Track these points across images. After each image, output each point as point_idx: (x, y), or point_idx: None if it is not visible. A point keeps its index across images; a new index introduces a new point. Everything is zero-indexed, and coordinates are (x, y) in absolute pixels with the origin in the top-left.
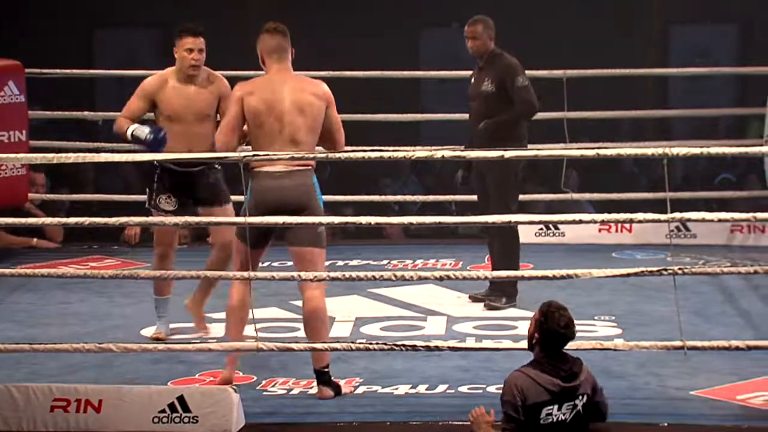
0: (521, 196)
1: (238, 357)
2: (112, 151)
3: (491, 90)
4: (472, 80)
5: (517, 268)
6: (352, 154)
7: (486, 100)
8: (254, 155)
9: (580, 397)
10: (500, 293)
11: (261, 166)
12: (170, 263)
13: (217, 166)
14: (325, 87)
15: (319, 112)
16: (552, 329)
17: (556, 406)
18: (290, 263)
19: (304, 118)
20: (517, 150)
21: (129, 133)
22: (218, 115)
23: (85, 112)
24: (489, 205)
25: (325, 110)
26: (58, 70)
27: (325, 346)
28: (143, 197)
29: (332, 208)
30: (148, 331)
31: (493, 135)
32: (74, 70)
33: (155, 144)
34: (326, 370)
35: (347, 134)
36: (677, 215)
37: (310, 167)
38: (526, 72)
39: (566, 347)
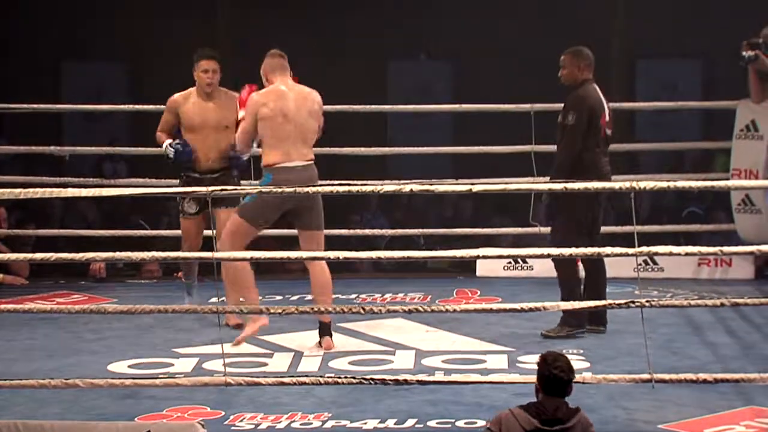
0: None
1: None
2: (79, 186)
3: (559, 121)
4: None
5: (576, 299)
6: (320, 188)
7: (559, 130)
8: (222, 189)
9: None
10: (562, 323)
11: (279, 162)
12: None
13: (234, 171)
14: (318, 95)
15: (320, 116)
16: (545, 373)
17: None
18: (270, 296)
19: (311, 121)
20: (486, 184)
21: (163, 150)
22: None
23: (52, 147)
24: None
25: None
26: (24, 105)
27: (294, 380)
28: (108, 232)
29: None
30: (115, 367)
31: (570, 172)
32: (41, 105)
33: (178, 159)
34: (328, 323)
35: (318, 166)
36: (645, 249)
37: (313, 161)
38: (496, 105)
39: None
